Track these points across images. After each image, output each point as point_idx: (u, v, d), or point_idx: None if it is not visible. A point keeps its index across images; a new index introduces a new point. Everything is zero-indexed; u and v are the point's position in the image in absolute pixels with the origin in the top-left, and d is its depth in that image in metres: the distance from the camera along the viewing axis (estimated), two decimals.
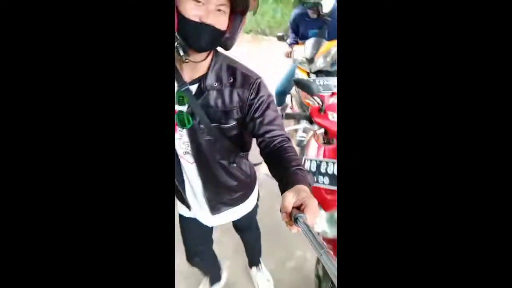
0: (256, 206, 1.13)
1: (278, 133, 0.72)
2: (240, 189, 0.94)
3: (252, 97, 0.73)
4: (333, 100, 1.25)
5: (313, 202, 0.49)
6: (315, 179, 1.03)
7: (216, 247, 1.26)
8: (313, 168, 1.04)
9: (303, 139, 1.71)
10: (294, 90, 2.27)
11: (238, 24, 0.69)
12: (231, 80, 0.73)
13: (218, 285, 1.42)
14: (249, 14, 0.70)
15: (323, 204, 1.01)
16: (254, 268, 1.50)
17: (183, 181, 0.89)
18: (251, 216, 1.14)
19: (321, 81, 1.63)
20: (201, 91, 0.72)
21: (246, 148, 0.88)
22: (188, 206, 0.96)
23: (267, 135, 0.72)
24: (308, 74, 1.95)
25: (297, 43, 2.16)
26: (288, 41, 2.25)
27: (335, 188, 1.00)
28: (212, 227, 1.12)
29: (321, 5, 1.88)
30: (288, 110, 2.43)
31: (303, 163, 1.07)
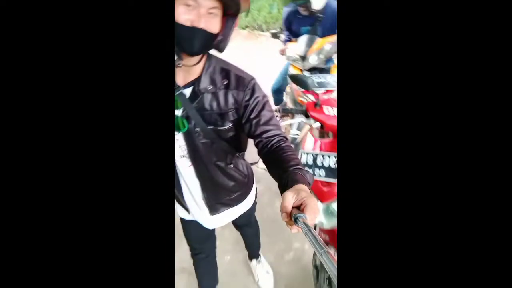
0: (254, 203, 1.14)
1: (275, 132, 0.73)
2: (238, 189, 0.95)
3: (247, 98, 0.73)
4: (328, 96, 1.27)
5: (313, 202, 0.49)
6: (312, 172, 1.06)
7: (216, 241, 1.28)
8: (310, 161, 1.07)
9: (296, 136, 1.73)
10: (288, 87, 2.28)
11: (230, 26, 0.69)
12: (225, 82, 0.73)
13: None
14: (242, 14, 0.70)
15: (320, 196, 1.04)
16: (254, 261, 1.53)
17: (180, 185, 0.89)
18: (250, 213, 1.15)
19: (315, 78, 1.65)
20: (195, 95, 0.72)
21: (242, 149, 0.89)
22: (187, 210, 0.97)
23: (264, 135, 0.72)
24: (301, 71, 1.96)
25: (290, 40, 2.16)
26: (282, 38, 2.25)
27: (331, 180, 1.03)
28: (214, 233, 1.13)
29: (310, 2, 1.89)
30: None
31: (299, 156, 1.10)
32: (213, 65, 0.74)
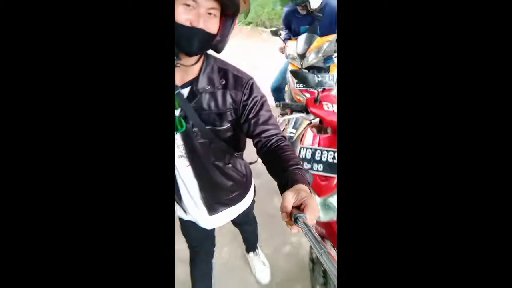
0: (253, 202, 1.14)
1: (274, 132, 0.73)
2: (236, 189, 0.95)
3: (245, 98, 0.73)
4: (327, 93, 1.29)
5: (313, 202, 0.49)
6: (310, 166, 1.08)
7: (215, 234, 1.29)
8: (308, 156, 1.09)
9: (292, 135, 1.75)
10: (286, 86, 2.29)
11: (229, 27, 0.70)
12: (223, 82, 0.73)
13: None
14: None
15: (317, 190, 1.07)
16: (251, 253, 1.55)
17: (178, 185, 0.89)
18: (248, 212, 1.16)
19: (314, 77, 1.67)
20: (193, 94, 0.72)
21: (241, 148, 0.89)
22: (185, 210, 0.96)
23: (263, 135, 0.73)
24: (300, 69, 1.97)
25: (290, 38, 2.18)
26: (282, 36, 2.26)
27: (328, 174, 1.05)
28: (213, 231, 1.13)
29: (309, 2, 1.90)
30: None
31: (298, 151, 1.12)
32: (211, 65, 0.74)
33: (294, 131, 1.76)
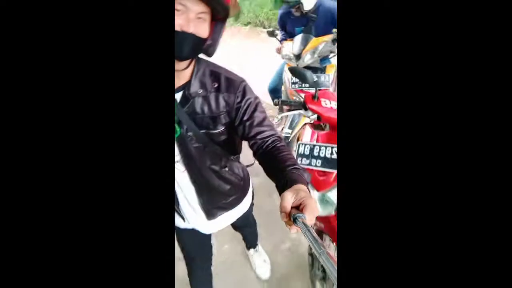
0: (251, 205, 1.14)
1: (269, 133, 0.74)
2: (234, 192, 0.94)
3: (238, 100, 0.74)
4: (323, 90, 1.31)
5: (312, 202, 0.49)
6: (309, 162, 1.10)
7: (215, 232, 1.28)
8: (307, 152, 1.11)
9: (288, 135, 1.77)
10: (282, 87, 2.31)
11: (219, 31, 0.70)
12: (216, 86, 0.73)
13: None
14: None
15: (316, 185, 1.09)
16: (251, 250, 1.57)
17: (175, 191, 0.88)
18: (247, 215, 1.16)
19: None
20: (186, 99, 0.72)
21: (236, 151, 0.89)
22: (182, 217, 0.95)
23: (259, 137, 0.73)
24: (297, 66, 1.98)
25: (286, 39, 2.20)
26: (279, 37, 2.29)
27: (326, 170, 1.07)
28: (210, 239, 1.12)
29: (302, 3, 1.91)
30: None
31: (297, 147, 1.14)
32: (202, 69, 0.74)
33: (290, 131, 1.77)
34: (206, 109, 0.73)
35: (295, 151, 1.14)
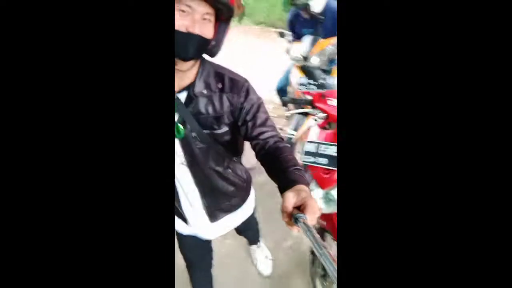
0: (254, 209, 1.15)
1: (272, 134, 0.75)
2: (237, 194, 0.95)
3: (242, 100, 0.75)
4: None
5: (313, 202, 0.49)
6: (314, 160, 1.11)
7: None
8: (313, 150, 1.13)
9: (292, 136, 1.78)
10: (289, 87, 2.32)
11: (223, 31, 0.71)
12: (220, 86, 0.74)
13: None
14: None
15: (320, 182, 1.10)
16: (253, 246, 1.59)
17: (177, 194, 0.88)
18: (250, 220, 1.16)
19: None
20: (190, 99, 0.73)
21: (239, 153, 0.91)
22: (185, 220, 0.95)
23: (261, 137, 0.74)
24: (303, 72, 1.99)
25: (295, 40, 2.22)
26: (288, 38, 2.30)
27: (331, 168, 1.08)
28: (211, 245, 1.13)
29: (309, 5, 1.92)
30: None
31: (303, 146, 1.16)
32: (207, 69, 0.75)
33: (294, 132, 1.78)
34: (210, 109, 0.74)
35: (299, 151, 1.15)
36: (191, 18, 0.63)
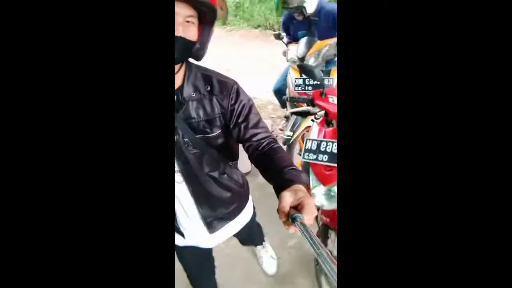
0: (254, 215, 1.14)
1: (264, 135, 0.74)
2: (234, 200, 0.93)
3: (232, 102, 0.74)
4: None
5: (310, 202, 0.49)
6: (315, 157, 1.13)
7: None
8: (314, 147, 1.14)
9: (289, 137, 1.79)
10: (286, 89, 2.34)
11: (207, 34, 0.71)
12: (208, 88, 0.74)
13: None
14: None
15: (322, 179, 1.12)
16: (259, 246, 1.59)
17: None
18: (251, 227, 1.14)
19: (311, 80, 1.70)
20: (180, 103, 0.72)
21: (234, 157, 0.88)
22: (182, 234, 0.92)
23: (254, 139, 0.73)
24: (300, 73, 2.01)
25: (292, 42, 2.24)
26: (284, 40, 2.33)
27: (332, 164, 1.09)
28: (211, 253, 1.11)
29: (305, 8, 1.95)
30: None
31: (305, 144, 1.17)
32: (194, 73, 0.74)
33: (291, 133, 1.78)
34: (201, 112, 0.74)
35: (298, 153, 1.15)
36: (175, 21, 0.62)
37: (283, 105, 2.50)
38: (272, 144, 0.72)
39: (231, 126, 0.76)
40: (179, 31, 0.63)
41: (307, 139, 1.18)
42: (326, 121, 1.21)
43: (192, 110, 0.73)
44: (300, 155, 1.13)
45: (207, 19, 0.69)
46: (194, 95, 0.73)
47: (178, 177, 0.79)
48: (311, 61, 1.97)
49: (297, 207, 0.50)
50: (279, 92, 2.44)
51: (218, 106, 0.74)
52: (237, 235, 1.10)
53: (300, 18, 2.07)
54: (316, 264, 1.36)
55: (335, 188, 1.11)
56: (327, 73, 2.03)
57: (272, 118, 3.02)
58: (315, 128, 1.23)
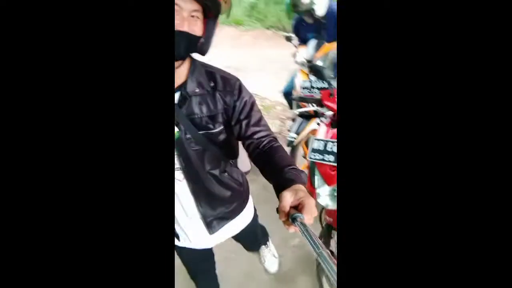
0: (255, 216, 1.13)
1: (265, 133, 0.74)
2: (234, 199, 0.93)
3: (235, 98, 0.75)
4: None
5: (310, 202, 0.49)
6: (322, 157, 1.14)
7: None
8: (321, 147, 1.15)
9: (293, 139, 1.79)
10: (293, 91, 2.35)
11: (211, 28, 0.71)
12: (212, 85, 0.74)
13: None
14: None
15: (327, 179, 1.12)
16: (262, 246, 1.60)
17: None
18: (252, 229, 1.13)
19: (318, 83, 1.71)
20: (183, 99, 0.72)
21: (234, 155, 0.89)
22: (177, 236, 0.92)
23: (255, 136, 0.73)
24: (307, 76, 2.02)
25: (301, 44, 2.25)
26: (295, 42, 2.34)
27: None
28: (211, 252, 1.11)
29: (314, 10, 1.96)
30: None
31: (312, 143, 1.18)
32: (198, 68, 0.75)
33: (295, 136, 1.79)
34: (204, 108, 0.74)
35: (302, 155, 1.15)
36: (180, 16, 0.63)
37: (292, 107, 2.52)
38: (273, 143, 0.72)
39: (233, 122, 0.76)
40: (184, 26, 0.64)
41: (314, 139, 1.19)
42: (333, 122, 1.22)
43: (195, 106, 0.73)
44: (305, 158, 1.14)
45: (211, 13, 0.69)
46: (197, 91, 0.73)
47: (179, 175, 0.79)
48: (318, 64, 1.97)
49: (298, 207, 0.50)
50: (288, 94, 2.46)
51: (221, 102, 0.75)
52: (242, 242, 1.13)
53: (310, 21, 2.09)
54: (317, 264, 1.36)
55: None
56: (335, 76, 2.02)
57: (281, 118, 3.03)
58: (323, 128, 1.24)
